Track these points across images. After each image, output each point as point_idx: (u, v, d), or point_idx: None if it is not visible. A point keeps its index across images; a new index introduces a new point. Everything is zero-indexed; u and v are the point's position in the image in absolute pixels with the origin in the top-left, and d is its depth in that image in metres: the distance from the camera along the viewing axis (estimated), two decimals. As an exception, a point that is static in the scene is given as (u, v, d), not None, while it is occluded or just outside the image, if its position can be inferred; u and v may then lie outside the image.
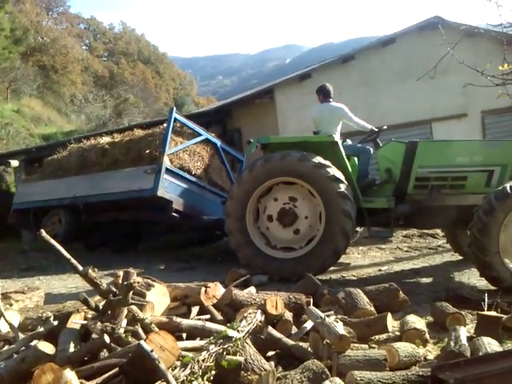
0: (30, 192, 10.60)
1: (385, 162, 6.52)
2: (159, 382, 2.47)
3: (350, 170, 6.35)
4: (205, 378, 2.68)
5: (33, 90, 30.29)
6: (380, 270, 6.59)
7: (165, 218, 8.57)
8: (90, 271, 3.33)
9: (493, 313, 3.96)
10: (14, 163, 13.42)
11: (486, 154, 6.15)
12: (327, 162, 5.98)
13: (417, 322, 3.80)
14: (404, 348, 3.33)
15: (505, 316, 3.90)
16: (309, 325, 3.70)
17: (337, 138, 6.40)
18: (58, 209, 9.81)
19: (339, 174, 5.97)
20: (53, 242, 3.36)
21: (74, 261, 3.38)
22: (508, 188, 5.31)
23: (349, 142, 7.07)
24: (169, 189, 8.23)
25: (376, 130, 6.78)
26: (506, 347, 3.48)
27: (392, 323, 3.88)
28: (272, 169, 6.11)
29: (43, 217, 10.10)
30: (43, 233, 3.36)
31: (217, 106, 16.33)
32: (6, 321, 3.30)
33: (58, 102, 33.05)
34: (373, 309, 4.13)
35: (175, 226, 9.05)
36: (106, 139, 9.82)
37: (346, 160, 6.35)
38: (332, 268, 6.29)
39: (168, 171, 8.22)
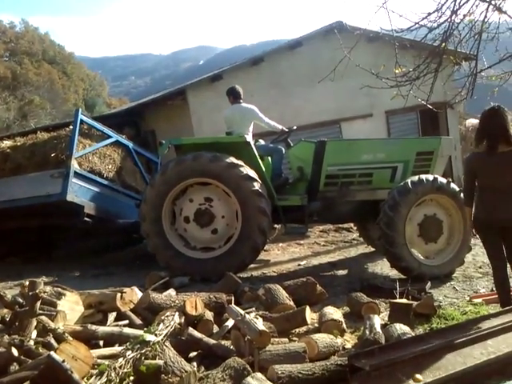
0: None
1: (296, 161, 6.72)
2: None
3: (264, 169, 6.46)
4: (123, 384, 2.59)
5: None
6: (299, 265, 6.77)
7: (77, 223, 8.19)
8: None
9: (404, 300, 4.20)
10: None
11: (388, 151, 6.53)
12: (240, 162, 6.05)
13: (334, 313, 3.93)
14: (323, 339, 3.43)
15: (415, 303, 4.16)
16: (230, 323, 3.71)
17: (249, 138, 6.48)
18: None
19: (252, 173, 6.05)
20: None
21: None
22: (409, 183, 5.68)
23: (261, 142, 7.20)
24: (79, 193, 7.89)
25: (286, 130, 6.96)
26: (417, 332, 3.72)
27: (311, 316, 3.98)
28: (184, 170, 6.08)
29: None
30: None
31: (129, 107, 15.88)
32: None
33: (-46, 105, 30.52)
34: (292, 303, 4.23)
35: (90, 230, 8.69)
36: (7, 143, 9.17)
37: (259, 160, 6.45)
38: (253, 265, 6.37)
39: (77, 175, 7.87)
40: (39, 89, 35.54)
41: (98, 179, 8.34)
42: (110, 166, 8.72)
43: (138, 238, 8.44)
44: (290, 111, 11.22)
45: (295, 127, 7.14)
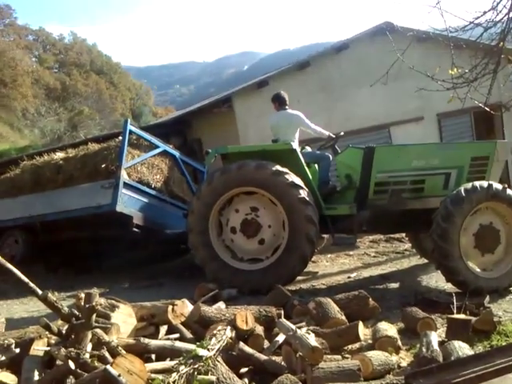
0: None
1: (344, 169, 6.56)
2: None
3: (311, 177, 6.35)
4: (176, 400, 2.58)
5: (-19, 104, 29.24)
6: (349, 277, 6.62)
7: (126, 234, 8.33)
8: (50, 295, 3.18)
9: (462, 316, 4.02)
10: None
11: (441, 156, 6.26)
12: (285, 169, 5.94)
13: (388, 329, 3.80)
14: (377, 356, 3.32)
15: (474, 318, 3.96)
16: (281, 338, 3.63)
17: (295, 145, 6.39)
18: (14, 229, 9.41)
19: (298, 181, 5.93)
20: (9, 265, 3.19)
21: (32, 284, 3.22)
22: (462, 191, 5.42)
23: (308, 149, 7.09)
24: (128, 203, 8.03)
25: (333, 136, 6.82)
26: (476, 350, 3.54)
27: (364, 331, 3.86)
28: (229, 180, 6.02)
29: None
30: (-2, 256, 3.19)
31: (175, 117, 16.13)
32: (-39, 353, 3.09)
33: (9, 117, 31.99)
34: (344, 318, 4.12)
35: (138, 241, 8.82)
36: (59, 155, 9.50)
37: (306, 167, 6.35)
38: (301, 277, 6.27)
39: (126, 185, 8.01)
40: (88, 99, 36.79)
41: (147, 189, 8.47)
42: (157, 176, 8.84)
43: (185, 248, 8.53)
44: (337, 116, 11.09)
45: (342, 133, 7.00)
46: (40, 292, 3.20)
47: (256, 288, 5.70)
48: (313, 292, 5.71)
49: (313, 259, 7.73)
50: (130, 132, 8.56)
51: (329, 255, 8.09)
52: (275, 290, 4.94)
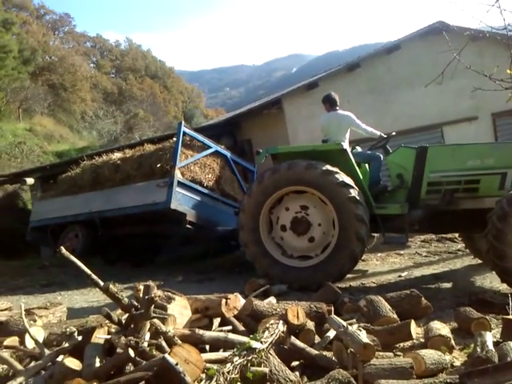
0: (46, 209, 10.72)
1: (396, 168, 6.50)
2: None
3: (361, 176, 6.34)
4: (231, 389, 2.66)
5: (44, 108, 30.71)
6: (400, 276, 6.53)
7: (179, 231, 8.62)
8: (111, 286, 3.34)
9: (518, 317, 3.90)
10: (30, 181, 13.67)
11: (497, 156, 6.07)
12: (335, 169, 5.98)
13: (441, 328, 3.74)
14: (430, 355, 3.28)
15: (530, 319, 3.84)
16: (331, 334, 3.66)
17: (345, 145, 6.39)
18: (75, 224, 9.92)
19: (348, 180, 5.95)
20: (73, 258, 3.37)
21: (94, 276, 3.39)
22: None
23: (359, 149, 7.08)
24: (182, 201, 8.30)
25: (385, 136, 6.79)
26: (533, 351, 3.42)
27: (416, 330, 3.83)
28: (280, 179, 6.12)
29: (60, 233, 10.22)
30: (63, 249, 3.38)
31: (226, 118, 16.41)
32: (32, 337, 3.31)
33: (69, 120, 33.46)
34: (395, 316, 4.09)
35: (190, 238, 9.09)
36: (117, 155, 9.96)
37: (357, 167, 6.35)
38: (351, 275, 6.27)
39: (180, 184, 8.30)
40: (143, 102, 37.86)
41: (199, 188, 8.73)
42: (209, 176, 9.09)
43: (235, 245, 8.70)
44: (388, 116, 10.97)
45: (394, 133, 6.94)
46: (102, 283, 3.38)
47: (305, 285, 5.78)
48: (363, 290, 5.69)
49: (363, 257, 7.70)
50: (184, 133, 8.84)
51: (379, 254, 8.00)
52: (325, 287, 4.97)
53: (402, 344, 3.76)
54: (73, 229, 9.95)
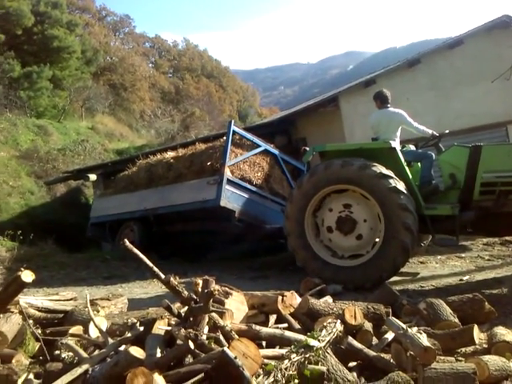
0: (104, 206, 11.23)
1: (448, 168, 6.31)
2: (244, 389, 2.49)
3: (411, 176, 6.19)
4: (288, 386, 2.67)
5: (105, 107, 31.84)
6: (461, 280, 6.31)
7: (229, 228, 8.78)
8: (172, 279, 3.43)
9: None
10: (93, 177, 14.36)
11: None
12: (389, 172, 5.87)
13: (506, 334, 3.59)
14: (494, 361, 3.16)
15: None
16: (390, 336, 3.60)
17: (395, 144, 6.25)
18: (131, 221, 10.29)
19: (386, 171, 5.84)
20: (136, 251, 3.49)
21: (156, 269, 3.51)
22: None
23: (411, 147, 6.89)
24: (231, 199, 8.46)
25: (437, 135, 6.58)
26: None
27: (479, 335, 3.69)
28: (318, 181, 6.12)
29: (118, 229, 10.63)
30: (126, 242, 3.52)
31: (281, 116, 16.41)
32: (96, 326, 3.45)
33: (128, 118, 34.55)
34: (457, 320, 3.96)
35: (239, 235, 9.21)
36: (170, 154, 10.29)
37: (406, 167, 6.21)
38: (409, 278, 6.09)
39: (229, 182, 8.46)
40: (199, 102, 38.50)
41: (248, 186, 8.86)
42: (258, 174, 9.21)
43: (284, 243, 8.74)
44: (449, 114, 10.62)
45: (447, 131, 6.74)
46: (163, 276, 3.49)
47: (360, 283, 5.75)
48: (421, 293, 5.53)
49: (421, 260, 7.51)
50: (234, 132, 9.01)
51: (439, 257, 7.77)
52: (382, 288, 4.87)
53: (463, 349, 3.64)
54: (129, 225, 10.35)
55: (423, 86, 11.31)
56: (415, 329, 3.56)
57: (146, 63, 47.75)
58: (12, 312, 3.84)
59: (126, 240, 3.55)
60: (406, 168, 6.20)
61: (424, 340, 3.18)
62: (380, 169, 5.84)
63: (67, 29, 27.91)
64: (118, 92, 37.02)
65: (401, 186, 5.81)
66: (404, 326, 3.40)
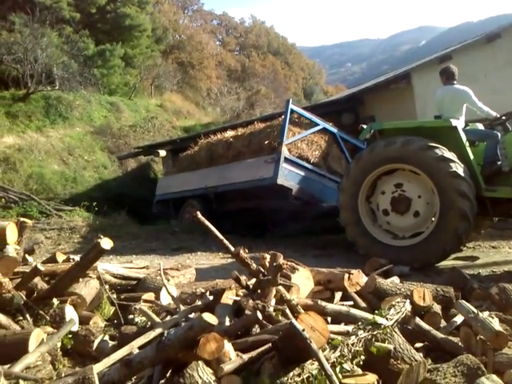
0: (168, 184, 11.69)
1: None
2: (310, 360, 2.54)
3: (473, 156, 5.95)
4: (354, 362, 2.70)
5: (173, 85, 32.46)
6: (536, 265, 6.03)
7: (286, 206, 8.85)
8: (242, 252, 3.53)
9: None
10: (162, 153, 14.92)
11: None
12: (433, 143, 5.73)
13: None
14: None
15: None
16: (459, 319, 3.53)
17: (457, 122, 6.01)
18: (193, 199, 10.63)
19: (448, 154, 5.69)
20: (208, 223, 3.62)
21: (226, 242, 3.62)
22: None
23: (479, 126, 6.55)
24: (288, 177, 8.50)
25: (502, 117, 6.24)
26: None
27: (555, 324, 3.53)
28: (364, 166, 6.13)
29: (181, 206, 11.03)
30: (199, 214, 3.64)
31: (348, 94, 16.09)
32: (169, 293, 3.63)
33: (195, 96, 35.13)
34: (531, 307, 3.81)
35: (296, 213, 9.25)
36: (230, 133, 10.47)
37: (468, 146, 5.98)
38: (481, 262, 5.95)
39: (287, 160, 8.49)
40: (264, 79, 38.41)
41: (306, 164, 8.87)
42: (316, 152, 9.17)
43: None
44: (530, 93, 9.95)
45: None
46: (233, 249, 3.60)
47: (425, 260, 5.69)
48: (493, 278, 5.33)
49: (493, 245, 7.24)
50: (292, 111, 8.98)
51: (512, 241, 7.43)
52: (452, 271, 4.77)
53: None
54: (190, 203, 10.70)
55: (503, 62, 10.67)
56: (486, 313, 3.46)
57: (214, 41, 48.12)
58: (90, 277, 4.09)
59: (198, 212, 3.68)
60: (468, 148, 5.99)
61: (496, 324, 3.10)
62: (442, 151, 5.71)
63: (138, 7, 28.51)
64: (186, 70, 37.60)
65: (462, 170, 5.66)
66: (475, 309, 3.33)
